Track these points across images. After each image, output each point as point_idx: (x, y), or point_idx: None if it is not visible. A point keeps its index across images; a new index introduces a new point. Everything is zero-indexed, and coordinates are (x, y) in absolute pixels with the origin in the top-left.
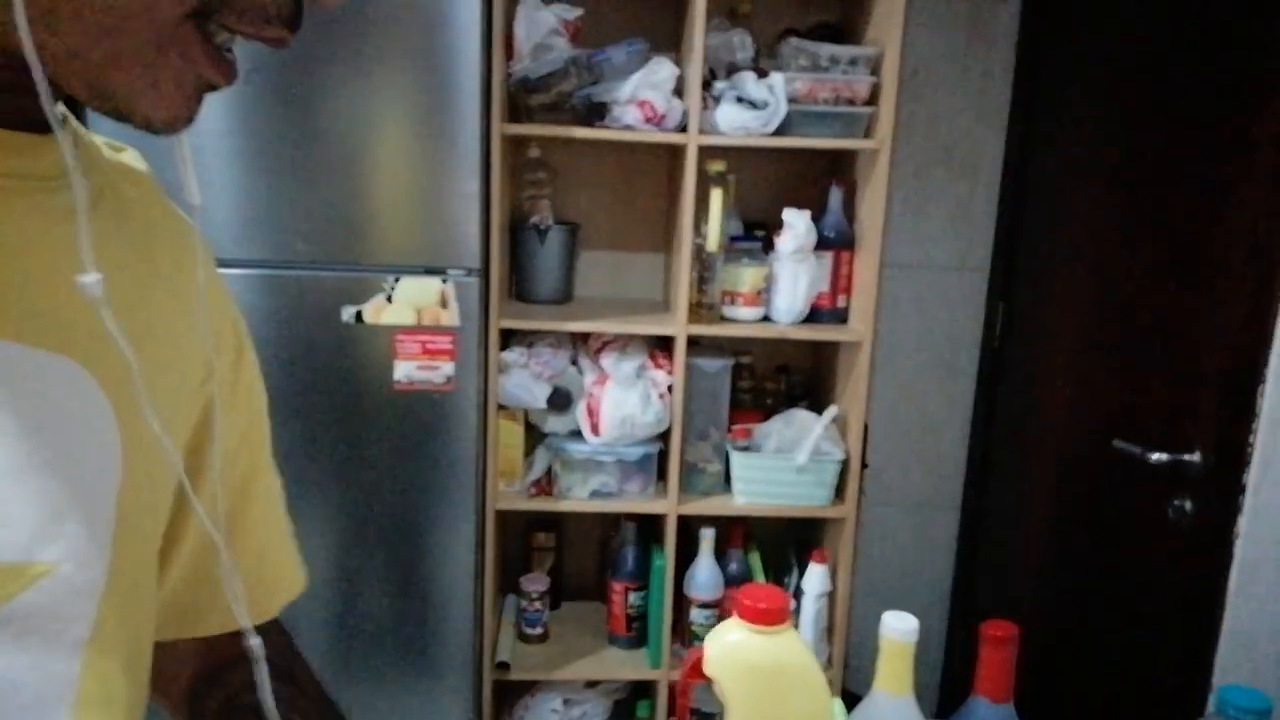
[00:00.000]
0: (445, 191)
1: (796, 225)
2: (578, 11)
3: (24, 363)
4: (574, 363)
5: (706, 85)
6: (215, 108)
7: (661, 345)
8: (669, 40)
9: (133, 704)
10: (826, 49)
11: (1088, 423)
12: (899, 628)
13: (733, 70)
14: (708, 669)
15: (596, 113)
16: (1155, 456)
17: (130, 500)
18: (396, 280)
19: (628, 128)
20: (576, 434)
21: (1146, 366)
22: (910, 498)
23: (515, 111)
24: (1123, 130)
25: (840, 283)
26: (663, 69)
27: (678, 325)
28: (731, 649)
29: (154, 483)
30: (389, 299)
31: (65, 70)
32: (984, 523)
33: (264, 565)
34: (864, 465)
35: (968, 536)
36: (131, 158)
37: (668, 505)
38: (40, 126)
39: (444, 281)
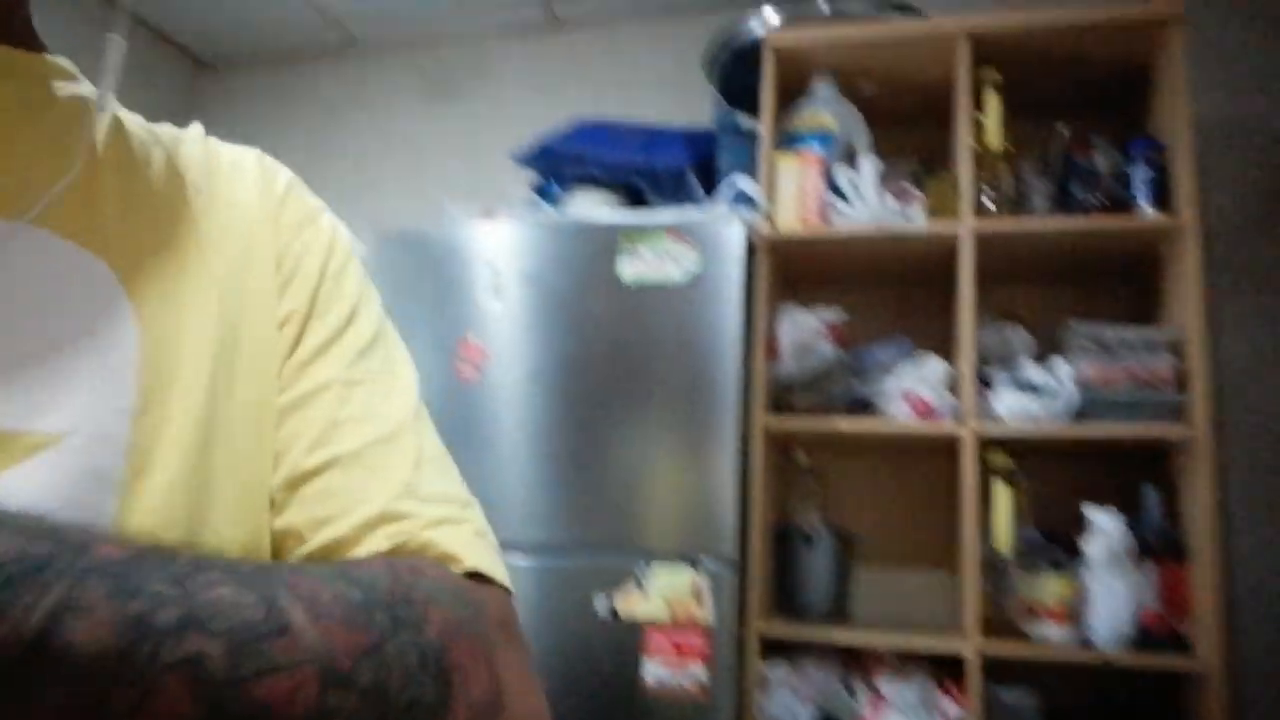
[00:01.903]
0: (702, 479)
1: (1106, 527)
2: (840, 314)
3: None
4: (845, 686)
5: (980, 379)
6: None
7: (950, 672)
8: (937, 338)
9: None
10: (1114, 332)
11: None
12: None
13: (1008, 362)
14: None
15: (862, 408)
16: None
17: (152, 381)
18: (648, 566)
19: (893, 418)
20: None
21: None
22: None
23: (778, 410)
24: None
25: (1175, 601)
26: (932, 364)
27: (969, 642)
28: None
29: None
30: (639, 585)
31: None
32: None
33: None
34: None
35: None
36: (256, 161)
37: None
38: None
39: (697, 571)
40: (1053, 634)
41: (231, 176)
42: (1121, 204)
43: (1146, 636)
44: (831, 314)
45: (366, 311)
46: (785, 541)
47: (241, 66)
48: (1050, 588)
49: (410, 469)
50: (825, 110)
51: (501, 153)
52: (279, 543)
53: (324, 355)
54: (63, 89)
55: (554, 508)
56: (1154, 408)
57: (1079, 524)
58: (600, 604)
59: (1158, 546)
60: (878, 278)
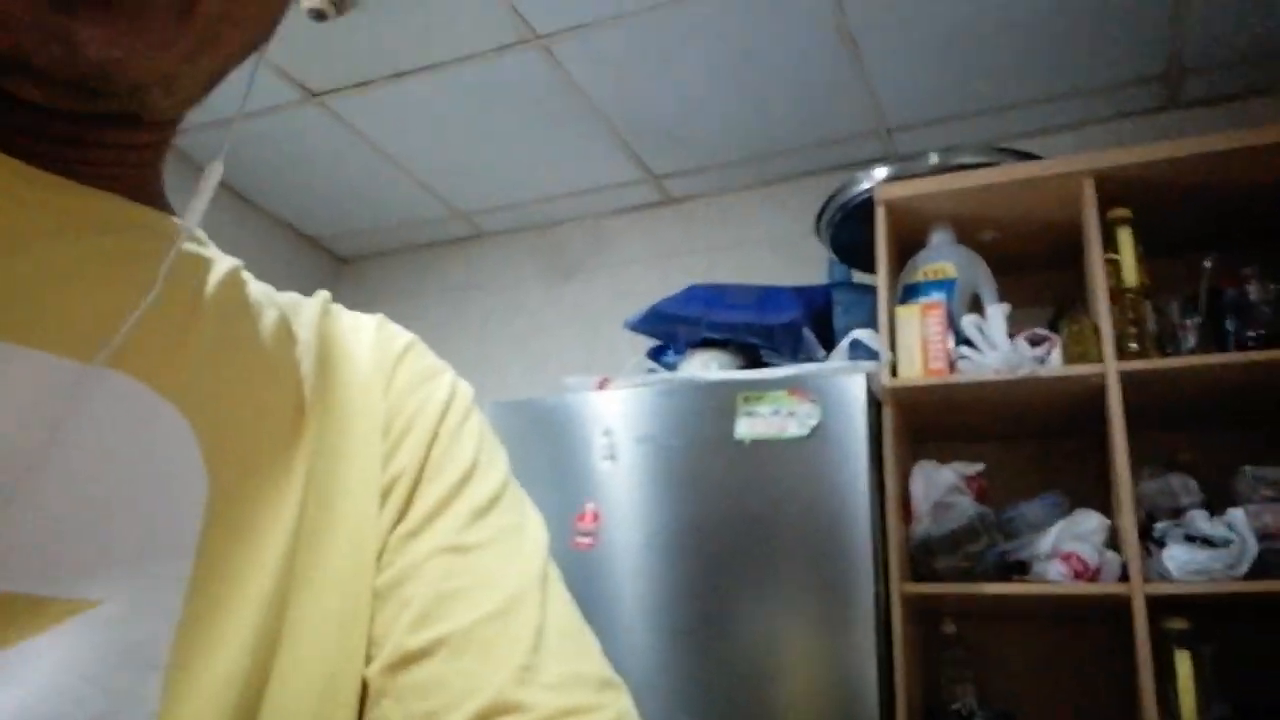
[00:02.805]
0: (839, 654)
1: None
2: (979, 466)
3: (98, 382)
4: None
5: (1144, 534)
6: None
7: None
8: (1090, 492)
9: None
10: None
11: None
12: None
13: (1176, 514)
14: None
15: (1013, 570)
16: None
17: (219, 549)
18: None
19: (1050, 582)
20: None
21: None
22: None
23: (920, 574)
24: None
25: None
26: (1088, 519)
27: None
28: None
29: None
30: None
31: None
32: None
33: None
34: None
35: None
36: (376, 325)
37: None
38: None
39: None
40: None
41: (347, 338)
42: None
43: None
44: (969, 468)
45: (486, 469)
46: None
47: (375, 258)
48: None
49: (528, 649)
50: (944, 258)
51: (617, 323)
52: None
53: (434, 521)
54: (181, 245)
55: (675, 687)
56: None
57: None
58: None
59: None
60: (1017, 428)
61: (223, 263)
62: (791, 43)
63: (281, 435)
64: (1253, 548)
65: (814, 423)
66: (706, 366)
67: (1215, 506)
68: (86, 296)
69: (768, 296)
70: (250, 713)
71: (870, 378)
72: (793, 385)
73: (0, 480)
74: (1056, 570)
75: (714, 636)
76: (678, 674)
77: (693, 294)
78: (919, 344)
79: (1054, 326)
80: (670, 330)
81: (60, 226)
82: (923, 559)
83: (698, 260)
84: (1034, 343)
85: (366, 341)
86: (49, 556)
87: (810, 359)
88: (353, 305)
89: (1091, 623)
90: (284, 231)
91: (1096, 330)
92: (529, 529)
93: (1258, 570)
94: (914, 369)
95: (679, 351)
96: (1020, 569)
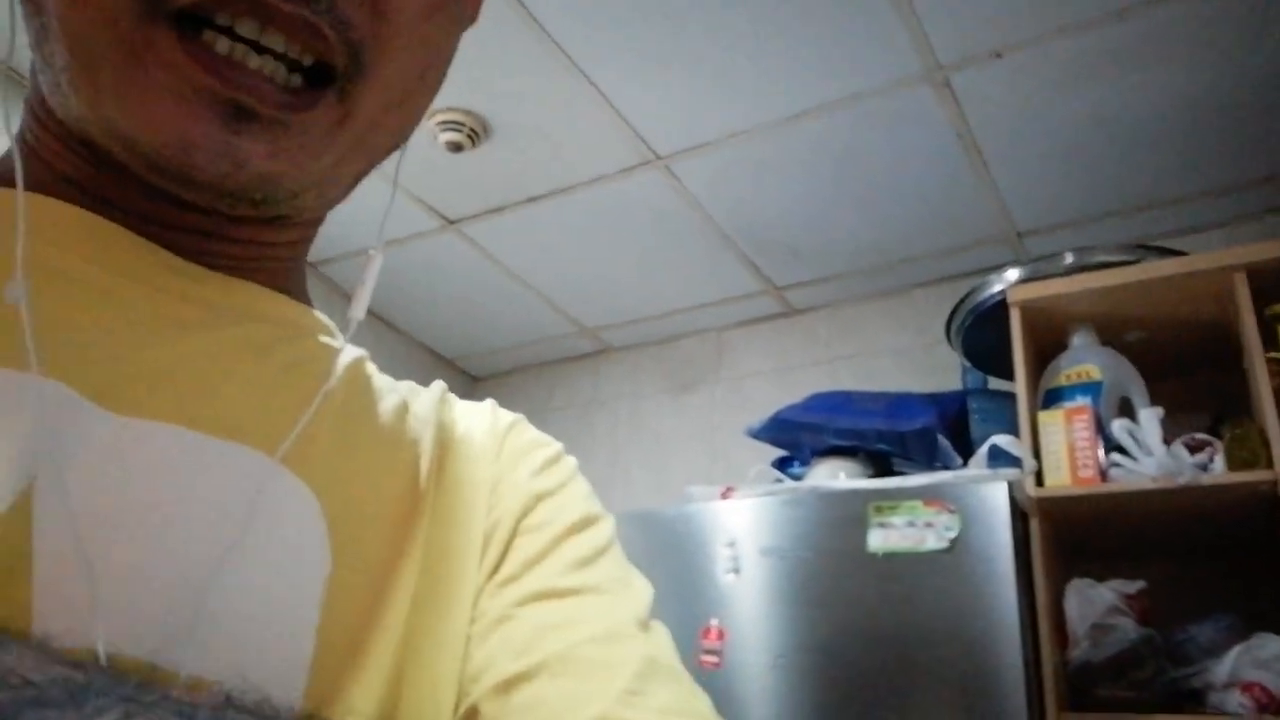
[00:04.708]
0: None
1: None
2: (1140, 584)
3: (236, 461)
4: None
5: None
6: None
7: None
8: (1266, 613)
9: None
10: None
11: None
12: None
13: None
14: None
15: (1185, 699)
16: None
17: (340, 628)
18: None
19: (1232, 715)
20: None
21: None
22: None
23: (1080, 703)
24: None
25: None
26: (1269, 644)
27: None
28: None
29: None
30: None
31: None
32: None
33: None
34: None
35: None
36: (490, 406)
37: None
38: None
39: None
40: None
41: (462, 421)
42: None
43: None
44: (1129, 586)
45: (590, 527)
46: None
47: (506, 376)
48: None
49: (634, 674)
50: (1088, 361)
51: (739, 436)
52: None
53: (533, 569)
54: (317, 336)
55: None
56: None
57: None
58: None
59: None
60: (1179, 543)
61: (349, 352)
62: (911, 152)
63: (400, 512)
64: None
65: (953, 534)
66: (834, 475)
67: None
68: (244, 386)
69: (898, 403)
70: None
71: (1013, 486)
72: (929, 495)
73: (198, 572)
74: (1237, 701)
75: None
76: None
77: (816, 401)
78: (1066, 451)
79: (1214, 431)
80: (794, 438)
81: (202, 317)
82: (1082, 686)
83: (819, 371)
84: (1193, 449)
85: (480, 418)
86: (178, 629)
87: (946, 468)
88: None
89: None
90: (420, 352)
91: (1263, 434)
92: (634, 584)
93: None
94: (1061, 477)
95: (804, 461)
96: (1193, 698)
